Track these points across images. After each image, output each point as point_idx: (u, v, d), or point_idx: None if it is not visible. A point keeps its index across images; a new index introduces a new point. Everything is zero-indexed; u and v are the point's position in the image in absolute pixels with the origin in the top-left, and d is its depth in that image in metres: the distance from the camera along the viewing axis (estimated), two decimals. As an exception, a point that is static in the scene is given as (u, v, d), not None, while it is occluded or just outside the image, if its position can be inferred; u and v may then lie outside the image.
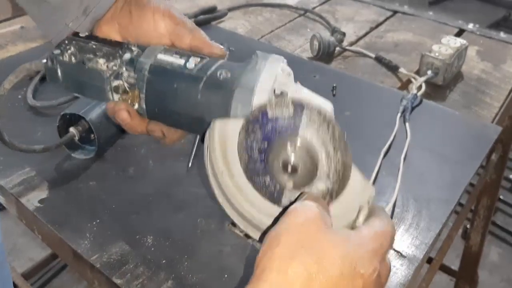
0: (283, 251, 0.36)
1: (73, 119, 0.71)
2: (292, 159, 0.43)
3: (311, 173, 0.43)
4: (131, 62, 0.51)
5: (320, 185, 0.44)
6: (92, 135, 0.71)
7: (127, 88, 0.52)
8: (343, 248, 0.37)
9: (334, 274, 0.35)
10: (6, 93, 0.53)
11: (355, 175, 0.43)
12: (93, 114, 0.69)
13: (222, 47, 0.53)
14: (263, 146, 0.44)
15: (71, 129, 0.70)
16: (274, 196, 0.46)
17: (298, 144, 0.42)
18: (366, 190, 0.43)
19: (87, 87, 0.53)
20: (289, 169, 0.43)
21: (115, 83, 0.52)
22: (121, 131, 0.74)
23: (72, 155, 0.72)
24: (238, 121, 0.45)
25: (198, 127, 0.48)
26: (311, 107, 0.42)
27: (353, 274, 0.36)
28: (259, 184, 0.46)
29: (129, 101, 0.52)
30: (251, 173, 0.45)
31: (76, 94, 0.57)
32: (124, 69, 0.51)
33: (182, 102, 0.49)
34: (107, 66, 0.52)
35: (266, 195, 0.46)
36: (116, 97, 0.52)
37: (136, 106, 0.52)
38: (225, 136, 0.46)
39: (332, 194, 0.44)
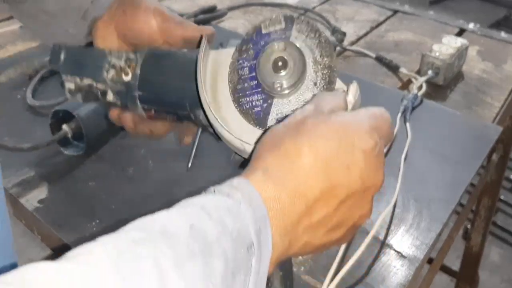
0: (278, 137, 0.37)
1: (66, 117, 0.71)
2: (283, 54, 0.44)
3: (299, 75, 0.44)
4: (134, 53, 0.55)
5: (307, 94, 0.44)
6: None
7: (125, 64, 0.54)
8: (339, 124, 0.37)
9: (330, 148, 0.36)
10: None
11: (340, 86, 0.44)
12: (82, 110, 0.70)
13: (211, 27, 0.56)
14: (254, 64, 0.45)
15: (64, 126, 0.70)
16: (260, 117, 0.46)
17: (289, 43, 0.44)
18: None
19: (87, 68, 0.55)
20: (280, 63, 0.44)
21: (114, 61, 0.54)
22: (111, 129, 0.74)
23: (65, 152, 0.72)
24: (232, 49, 0.47)
25: (191, 95, 0.49)
26: (302, 18, 0.45)
27: (352, 147, 0.36)
28: (245, 106, 0.46)
29: (123, 74, 0.54)
30: (239, 93, 0.46)
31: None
32: (126, 53, 0.55)
33: (178, 60, 0.52)
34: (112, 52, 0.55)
35: (252, 119, 0.46)
36: (110, 75, 0.54)
37: (129, 76, 0.54)
38: (217, 69, 0.47)
39: None
